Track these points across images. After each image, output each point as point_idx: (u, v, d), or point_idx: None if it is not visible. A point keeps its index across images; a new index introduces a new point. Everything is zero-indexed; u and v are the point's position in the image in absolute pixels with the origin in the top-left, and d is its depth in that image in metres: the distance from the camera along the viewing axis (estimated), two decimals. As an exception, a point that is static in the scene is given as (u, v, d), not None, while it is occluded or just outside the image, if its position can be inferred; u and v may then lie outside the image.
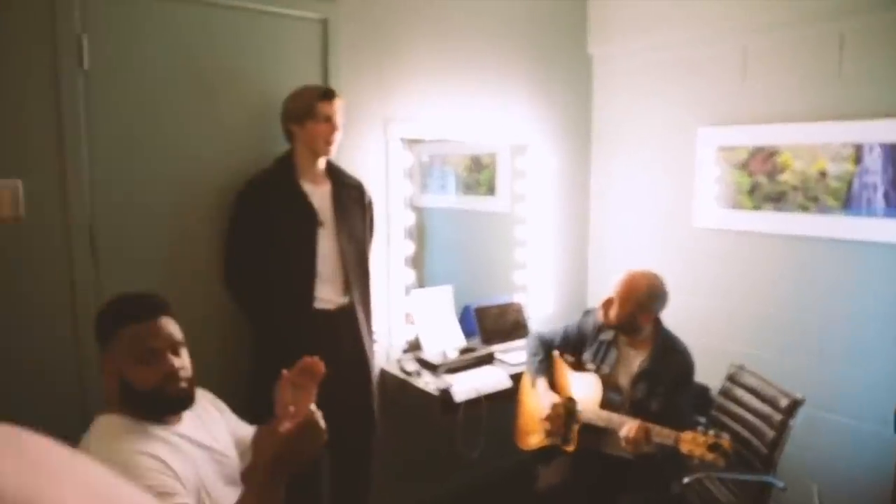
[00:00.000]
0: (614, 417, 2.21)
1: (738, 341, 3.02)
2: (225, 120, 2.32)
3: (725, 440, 1.99)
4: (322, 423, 1.38)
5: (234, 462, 1.58)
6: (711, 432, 2.03)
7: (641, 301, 2.31)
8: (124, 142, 2.12)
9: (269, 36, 2.39)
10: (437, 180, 4.04)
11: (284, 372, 1.57)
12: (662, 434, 2.09)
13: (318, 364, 1.59)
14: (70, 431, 2.01)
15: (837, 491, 2.73)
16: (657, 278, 2.36)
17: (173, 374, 1.41)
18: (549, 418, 2.36)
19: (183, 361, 1.45)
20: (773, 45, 2.81)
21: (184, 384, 1.43)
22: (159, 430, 1.38)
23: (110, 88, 2.08)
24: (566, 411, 2.35)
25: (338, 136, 2.28)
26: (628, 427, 2.14)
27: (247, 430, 1.71)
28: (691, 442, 2.02)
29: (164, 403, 1.41)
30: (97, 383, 1.96)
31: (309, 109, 2.23)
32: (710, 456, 1.98)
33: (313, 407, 1.40)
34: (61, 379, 2.03)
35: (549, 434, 2.37)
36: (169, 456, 1.33)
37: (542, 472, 2.38)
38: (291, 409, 1.43)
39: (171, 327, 1.44)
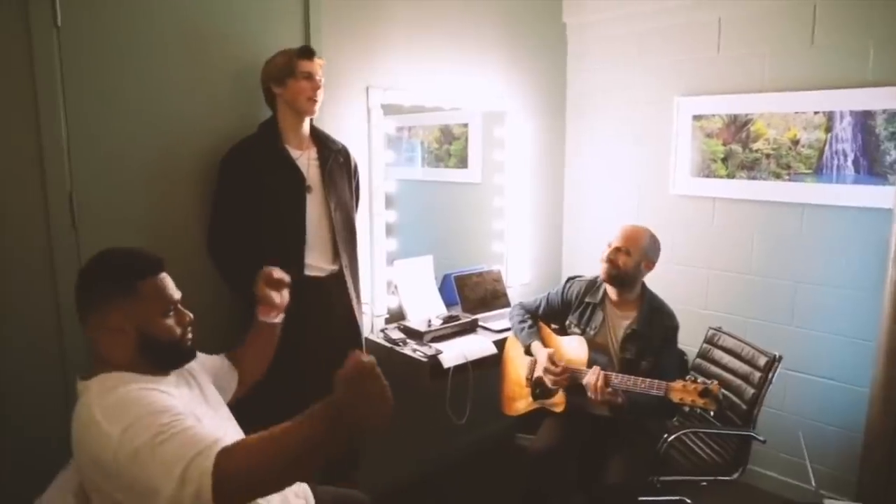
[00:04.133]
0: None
1: (714, 306, 3.12)
2: (207, 83, 2.23)
3: (714, 385, 2.07)
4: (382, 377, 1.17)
5: (225, 412, 1.61)
6: (700, 380, 2.11)
7: (646, 248, 2.40)
8: (103, 103, 2.01)
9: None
10: (404, 153, 3.99)
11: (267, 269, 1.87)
12: (643, 384, 2.18)
13: (274, 273, 1.86)
14: (52, 398, 1.93)
15: (811, 443, 2.84)
16: (650, 229, 2.46)
17: (190, 325, 1.45)
18: (548, 370, 2.35)
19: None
20: (748, 16, 2.87)
21: (191, 335, 1.47)
22: (160, 383, 1.38)
23: (86, 46, 1.97)
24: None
25: (321, 94, 2.23)
26: (590, 374, 2.22)
27: (217, 361, 1.77)
28: (681, 390, 2.10)
29: (182, 353, 1.45)
30: (78, 349, 1.92)
31: (289, 68, 2.17)
32: (701, 401, 2.06)
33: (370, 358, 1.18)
34: (42, 346, 1.94)
35: (556, 383, 2.37)
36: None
37: (535, 436, 2.40)
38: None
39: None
